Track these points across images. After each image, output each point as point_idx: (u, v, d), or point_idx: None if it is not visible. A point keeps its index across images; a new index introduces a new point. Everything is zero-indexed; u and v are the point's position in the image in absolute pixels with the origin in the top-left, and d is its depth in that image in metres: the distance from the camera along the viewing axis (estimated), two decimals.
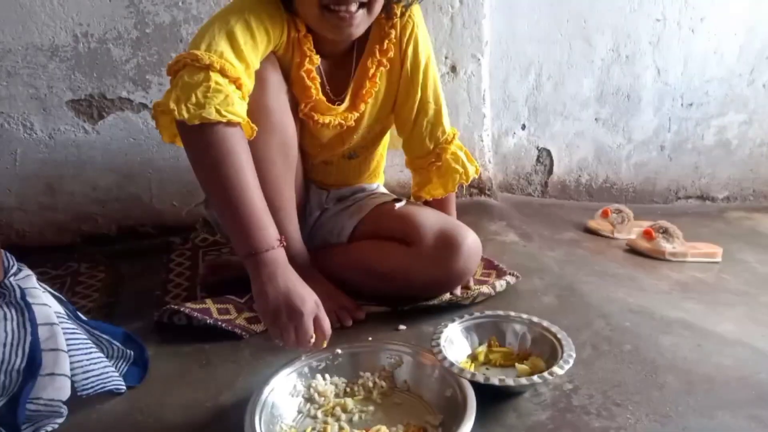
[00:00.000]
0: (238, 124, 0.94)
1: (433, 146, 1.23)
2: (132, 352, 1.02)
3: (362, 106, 1.16)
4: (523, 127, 1.95)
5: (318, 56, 1.09)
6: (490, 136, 1.87)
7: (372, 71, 1.13)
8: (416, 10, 1.14)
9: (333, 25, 1.01)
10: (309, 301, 0.90)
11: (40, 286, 1.00)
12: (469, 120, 1.80)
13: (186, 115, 0.90)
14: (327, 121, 1.13)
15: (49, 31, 1.46)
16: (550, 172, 2.01)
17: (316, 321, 0.90)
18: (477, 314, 1.03)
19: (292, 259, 1.15)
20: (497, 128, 1.93)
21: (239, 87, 0.96)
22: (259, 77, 1.02)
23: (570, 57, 1.90)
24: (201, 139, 0.92)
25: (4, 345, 0.87)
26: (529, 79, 1.91)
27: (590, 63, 1.92)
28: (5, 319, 0.89)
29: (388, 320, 1.14)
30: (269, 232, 0.93)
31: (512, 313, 1.02)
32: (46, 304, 0.95)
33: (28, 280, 0.99)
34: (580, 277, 1.31)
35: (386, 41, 1.12)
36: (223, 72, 0.93)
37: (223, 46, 0.96)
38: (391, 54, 1.13)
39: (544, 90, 1.93)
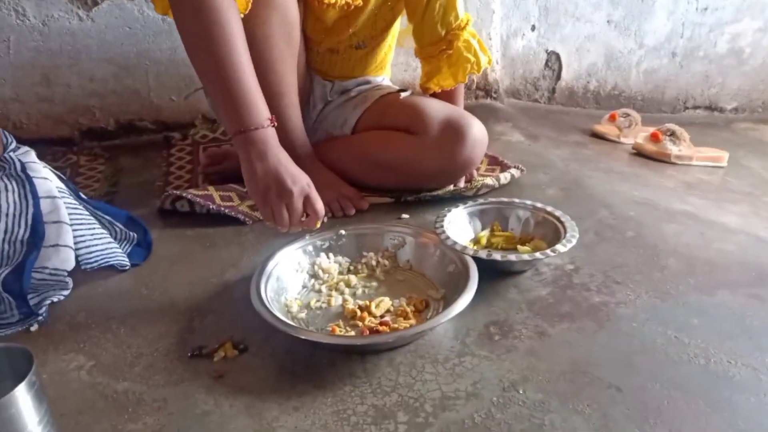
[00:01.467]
0: None
1: (444, 32, 1.17)
2: (135, 234, 1.02)
3: None
4: (533, 28, 1.89)
5: None
6: (498, 36, 1.81)
7: None
8: None
9: None
10: (300, 179, 0.86)
11: (41, 162, 0.99)
12: (477, 16, 1.73)
13: None
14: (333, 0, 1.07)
15: None
16: (558, 77, 1.96)
17: (308, 201, 0.86)
18: (481, 200, 1.02)
19: (295, 150, 1.13)
20: (506, 29, 1.86)
21: None
22: None
23: None
24: (189, 7, 0.86)
25: (7, 215, 0.87)
26: None
27: None
28: (6, 190, 0.88)
29: (391, 210, 1.14)
30: (259, 109, 0.87)
31: (516, 200, 1.01)
32: (47, 178, 0.94)
33: (27, 155, 0.98)
34: (585, 173, 1.30)
35: None
36: None
37: None
38: None
39: None
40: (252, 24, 0.94)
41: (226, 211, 1.12)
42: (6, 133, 1.03)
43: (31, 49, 1.48)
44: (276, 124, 0.89)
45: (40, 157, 1.40)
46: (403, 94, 1.19)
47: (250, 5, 0.94)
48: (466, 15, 1.19)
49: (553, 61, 1.94)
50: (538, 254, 0.85)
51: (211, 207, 1.12)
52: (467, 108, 1.37)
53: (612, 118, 1.68)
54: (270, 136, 0.87)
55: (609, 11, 1.89)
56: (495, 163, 1.30)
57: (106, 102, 1.57)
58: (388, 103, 1.19)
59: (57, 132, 1.56)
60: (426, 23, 1.17)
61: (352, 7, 1.10)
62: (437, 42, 1.19)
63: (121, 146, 1.58)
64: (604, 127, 1.69)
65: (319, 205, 0.87)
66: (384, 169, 1.16)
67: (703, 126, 1.90)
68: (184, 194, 1.14)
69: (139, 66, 1.54)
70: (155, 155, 1.50)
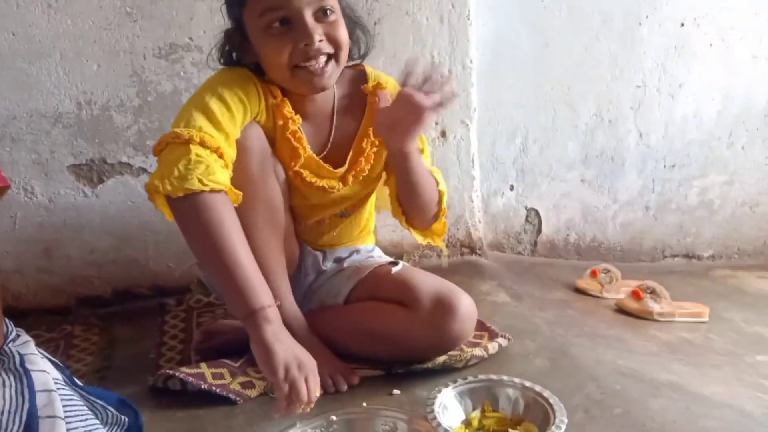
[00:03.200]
0: (222, 191, 0.98)
1: None
2: (126, 418, 1.02)
3: (350, 180, 1.21)
4: (512, 188, 2.01)
5: (299, 116, 1.15)
6: (479, 196, 1.92)
7: (367, 151, 1.20)
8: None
9: (305, 80, 1.09)
10: (310, 355, 0.95)
11: (39, 351, 1.01)
12: (459, 182, 1.85)
13: (170, 188, 0.95)
14: (314, 180, 1.18)
15: (53, 99, 1.52)
16: (539, 231, 2.06)
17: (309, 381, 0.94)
18: (471, 378, 1.04)
19: (287, 323, 1.17)
20: (486, 189, 1.98)
21: (221, 156, 1.01)
22: (241, 145, 1.08)
23: (555, 122, 1.98)
24: (187, 210, 0.98)
25: (2, 412, 0.87)
26: (516, 142, 1.98)
27: (574, 127, 1.99)
28: (4, 386, 0.90)
29: (382, 384, 1.15)
30: (265, 289, 0.97)
31: (505, 378, 1.03)
32: (45, 370, 0.96)
33: (26, 346, 1.00)
34: (571, 339, 1.33)
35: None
36: (203, 143, 0.99)
37: (201, 120, 1.02)
38: None
39: (530, 153, 1.99)
40: (239, 214, 1.03)
41: (218, 390, 1.12)
42: (7, 321, 1.07)
43: (35, 224, 1.56)
44: (280, 303, 0.97)
45: (36, 327, 1.44)
46: (394, 269, 1.25)
47: (240, 198, 1.04)
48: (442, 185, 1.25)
49: (533, 216, 2.05)
50: None
51: (202, 386, 1.13)
52: (453, 265, 1.42)
53: (593, 274, 1.75)
54: (276, 315, 0.97)
55: (582, 171, 2.03)
56: (483, 328, 1.34)
57: (105, 271, 1.62)
58: (380, 275, 1.25)
59: (54, 301, 1.60)
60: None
61: (332, 191, 1.21)
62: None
63: (116, 313, 1.61)
64: (586, 283, 1.74)
65: (314, 387, 0.94)
66: (376, 340, 1.19)
67: (683, 274, 1.97)
68: (176, 374, 1.15)
69: (140, 237, 1.62)
70: (149, 322, 1.52)
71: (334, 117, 1.21)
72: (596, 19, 1.93)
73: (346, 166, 1.21)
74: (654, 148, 2.04)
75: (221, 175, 0.99)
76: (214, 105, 1.04)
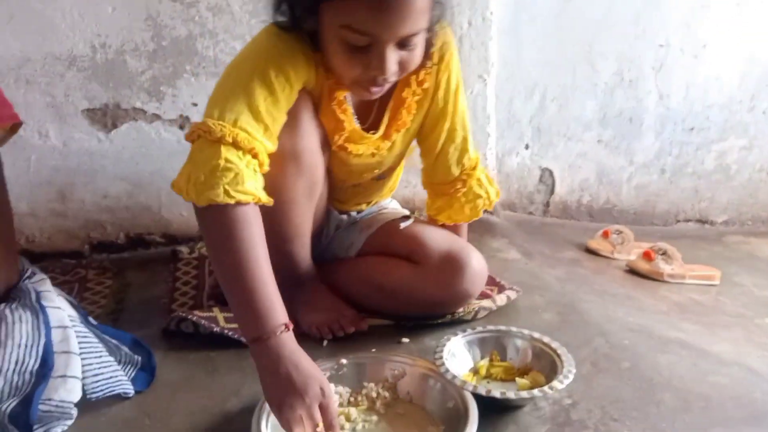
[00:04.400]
0: (249, 203, 0.89)
1: (459, 173, 1.21)
2: (140, 358, 1.05)
3: (395, 135, 1.14)
4: (527, 147, 1.99)
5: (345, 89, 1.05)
6: (494, 155, 1.90)
7: (408, 101, 1.10)
8: (449, 34, 1.09)
9: (361, 93, 1.01)
10: (312, 388, 0.81)
11: (54, 289, 1.03)
12: (474, 139, 1.82)
13: (194, 196, 0.88)
14: (360, 151, 1.11)
15: (68, 42, 1.50)
16: (552, 192, 2.04)
17: (323, 409, 0.82)
18: (479, 329, 1.05)
19: (299, 278, 1.18)
20: (501, 148, 1.96)
21: (255, 156, 0.92)
22: (289, 117, 1.00)
23: (574, 80, 1.94)
24: (210, 221, 0.89)
25: (20, 346, 0.89)
26: (534, 100, 1.94)
27: (594, 86, 1.95)
28: (21, 321, 0.91)
29: (391, 333, 1.16)
30: (276, 315, 0.85)
31: (513, 329, 1.04)
32: (60, 307, 0.98)
33: (42, 283, 1.02)
34: (581, 296, 1.34)
35: (423, 71, 1.08)
36: (235, 144, 0.89)
37: (238, 109, 0.92)
38: (426, 84, 1.10)
39: (548, 111, 1.96)
40: (279, 189, 0.99)
41: (230, 333, 1.14)
42: (23, 259, 1.08)
43: (50, 168, 1.56)
44: (291, 327, 0.86)
45: (50, 270, 1.46)
46: (403, 224, 1.24)
47: (267, 166, 0.95)
48: (476, 154, 1.23)
49: (547, 176, 2.03)
50: (536, 391, 0.87)
51: (215, 329, 1.15)
52: None
53: (605, 235, 1.74)
54: (284, 343, 0.84)
55: (599, 131, 2.00)
56: (492, 283, 1.34)
57: (118, 217, 1.63)
58: (391, 230, 1.24)
59: (68, 246, 1.61)
60: (439, 164, 1.21)
61: (377, 155, 1.15)
62: (451, 182, 1.22)
63: (129, 259, 1.62)
64: (598, 243, 1.74)
65: (333, 413, 0.83)
66: (385, 294, 1.19)
67: (695, 239, 1.96)
68: (188, 316, 1.17)
69: (152, 184, 1.62)
70: (162, 269, 1.54)
71: (391, 92, 1.10)
72: None
73: (386, 120, 1.12)
74: (673, 110, 2.00)
75: (250, 184, 0.89)
76: (257, 87, 0.94)
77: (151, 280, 1.49)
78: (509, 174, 2.00)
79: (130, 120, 1.57)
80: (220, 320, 1.18)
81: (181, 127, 1.61)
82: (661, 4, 1.90)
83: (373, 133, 1.12)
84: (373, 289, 1.20)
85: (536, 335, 1.01)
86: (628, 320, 1.21)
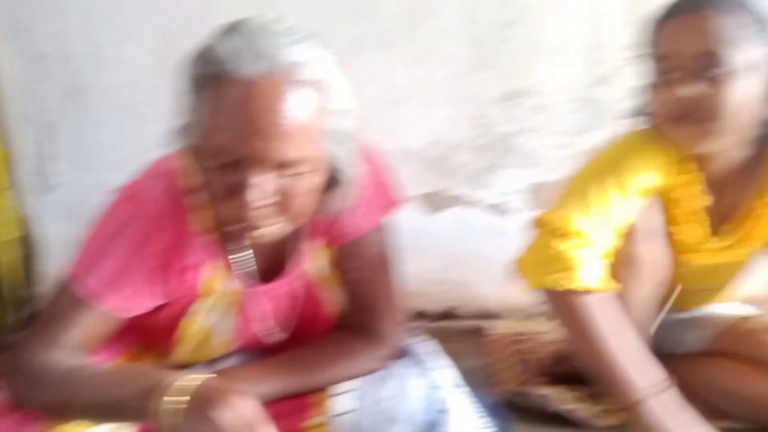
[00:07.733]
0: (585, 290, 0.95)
1: None
2: (499, 423, 1.09)
3: (738, 246, 1.08)
4: None
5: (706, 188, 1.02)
6: None
7: (758, 211, 1.04)
8: None
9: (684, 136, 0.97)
10: None
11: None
12: None
13: (531, 279, 1.00)
14: (703, 262, 1.09)
15: (409, 138, 1.77)
16: None
17: None
18: None
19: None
20: None
21: (588, 247, 0.96)
22: (634, 224, 1.02)
23: None
24: (553, 302, 1.00)
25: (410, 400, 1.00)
26: None
27: None
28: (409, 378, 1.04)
29: None
30: (649, 375, 0.94)
31: None
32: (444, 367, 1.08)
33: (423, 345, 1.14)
34: None
35: None
36: (565, 235, 0.96)
37: (573, 205, 0.99)
38: None
39: None
40: (624, 290, 1.02)
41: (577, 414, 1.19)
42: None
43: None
44: (673, 382, 0.94)
45: None
46: (752, 320, 1.20)
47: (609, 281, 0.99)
48: None
49: None
50: None
51: (560, 407, 1.20)
52: None
53: None
54: (660, 403, 0.91)
55: None
56: None
57: (432, 290, 1.81)
58: (739, 328, 1.19)
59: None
60: None
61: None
62: None
63: (436, 329, 1.77)
64: None
65: None
66: (737, 403, 1.13)
67: None
68: (530, 391, 1.25)
69: (467, 262, 1.79)
70: (468, 342, 1.65)
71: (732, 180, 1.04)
72: None
73: (734, 230, 1.07)
74: None
75: (583, 272, 0.95)
76: (592, 191, 0.99)
77: (457, 351, 1.60)
78: None
79: (454, 204, 1.78)
80: (553, 399, 1.24)
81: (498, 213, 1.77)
82: None
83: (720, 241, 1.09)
84: (723, 395, 1.14)
85: None
86: None
